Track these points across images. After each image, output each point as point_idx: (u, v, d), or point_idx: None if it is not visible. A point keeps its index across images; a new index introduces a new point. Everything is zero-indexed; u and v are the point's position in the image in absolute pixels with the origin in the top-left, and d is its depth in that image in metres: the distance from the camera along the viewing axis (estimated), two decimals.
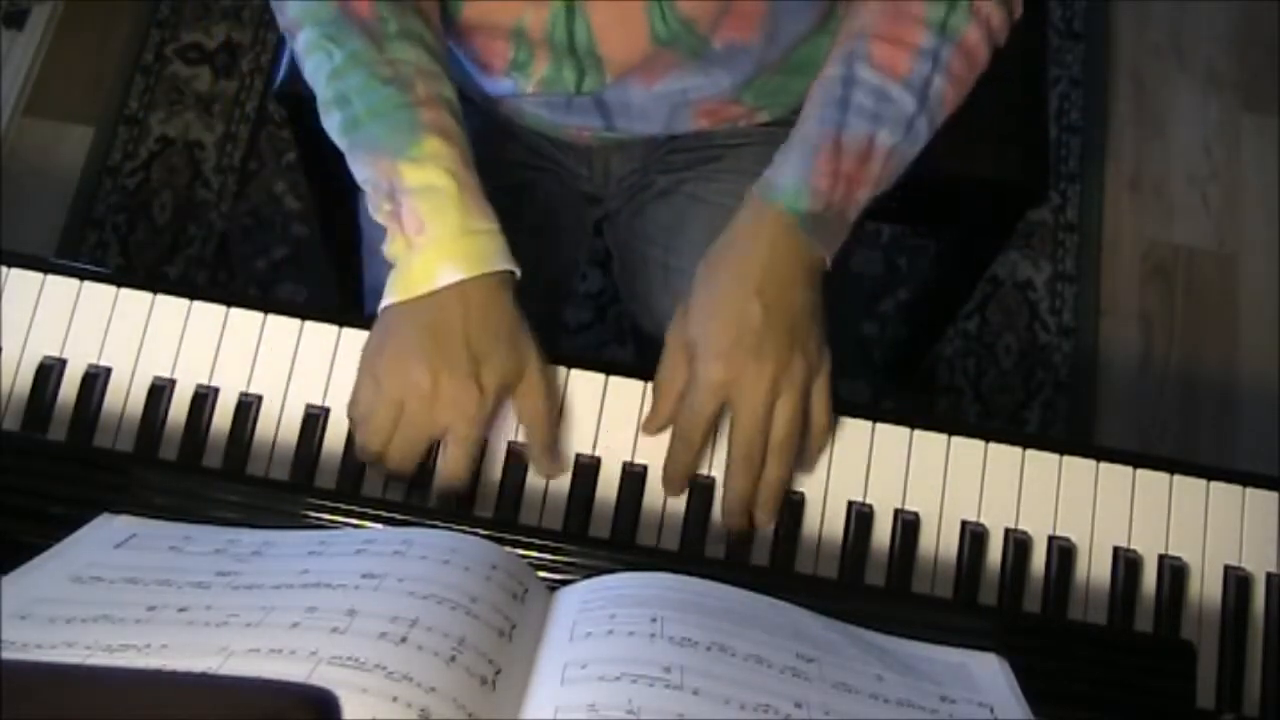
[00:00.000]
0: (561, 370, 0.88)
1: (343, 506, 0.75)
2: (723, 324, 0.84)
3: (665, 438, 0.86)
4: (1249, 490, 0.87)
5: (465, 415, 0.81)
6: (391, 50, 0.86)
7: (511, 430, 0.86)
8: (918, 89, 0.88)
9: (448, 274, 0.82)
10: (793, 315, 0.84)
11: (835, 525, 0.86)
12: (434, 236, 0.82)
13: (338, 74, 0.86)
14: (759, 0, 0.91)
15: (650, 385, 0.88)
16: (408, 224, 0.82)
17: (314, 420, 0.86)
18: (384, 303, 0.84)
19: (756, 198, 0.87)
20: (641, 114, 1.00)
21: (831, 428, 0.86)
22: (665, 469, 0.85)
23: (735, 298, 0.84)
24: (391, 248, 0.84)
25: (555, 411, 0.86)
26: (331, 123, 0.88)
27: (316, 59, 0.87)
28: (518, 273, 0.85)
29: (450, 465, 0.82)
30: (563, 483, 0.86)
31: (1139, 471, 0.87)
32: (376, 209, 0.85)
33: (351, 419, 0.84)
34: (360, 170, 0.86)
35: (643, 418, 0.87)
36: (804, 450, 0.85)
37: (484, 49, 0.96)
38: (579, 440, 0.87)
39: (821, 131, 0.87)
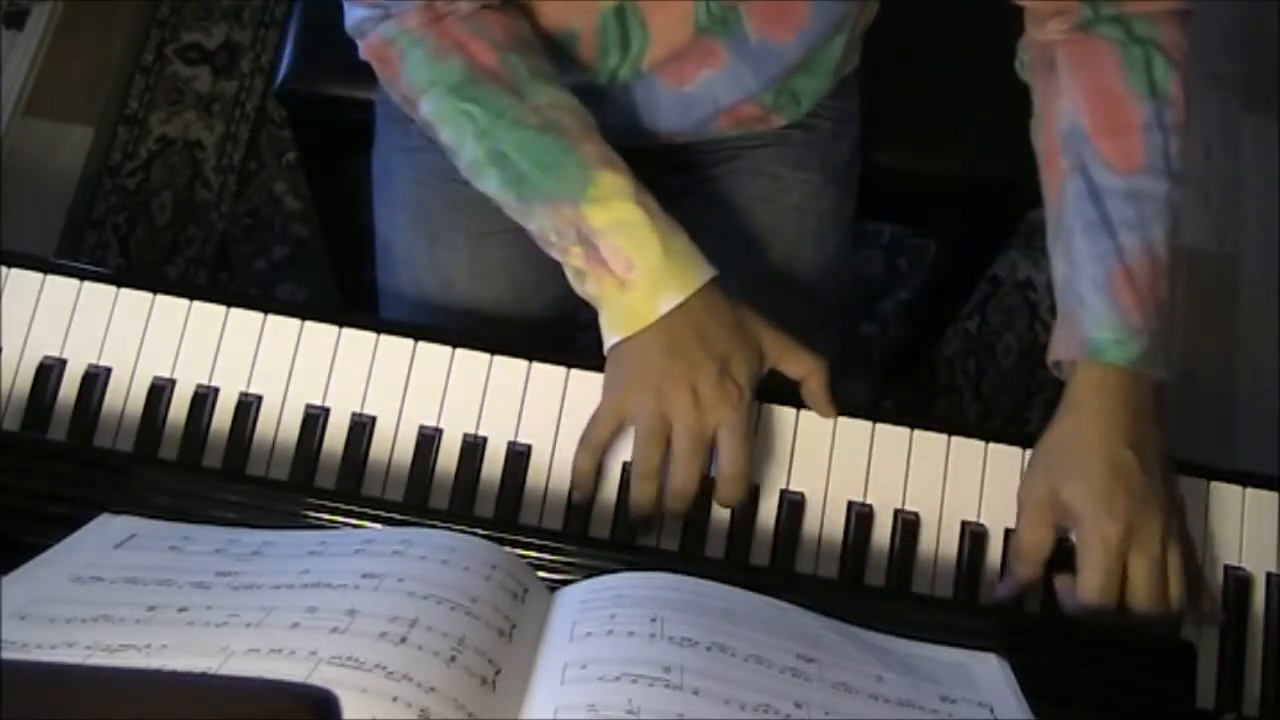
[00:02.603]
0: (563, 371, 0.88)
1: (343, 506, 0.75)
2: (1103, 481, 0.82)
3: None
4: (1249, 490, 0.87)
5: (732, 407, 0.83)
6: (532, 96, 0.87)
7: (511, 431, 0.86)
8: (1161, 168, 0.87)
9: (667, 301, 0.83)
10: (1161, 457, 0.83)
11: (835, 525, 0.85)
12: (645, 270, 0.83)
13: (486, 134, 0.86)
14: (805, 0, 0.91)
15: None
16: (615, 265, 0.84)
17: (314, 420, 0.86)
18: (611, 341, 0.85)
19: (1084, 363, 0.85)
20: (667, 115, 1.01)
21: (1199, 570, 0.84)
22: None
23: (1107, 452, 0.82)
24: (600, 288, 0.85)
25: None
26: (490, 182, 0.88)
27: (458, 124, 0.87)
28: (716, 272, 0.86)
29: (730, 457, 0.82)
30: (562, 482, 0.86)
31: None
32: (564, 253, 0.86)
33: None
34: (536, 221, 0.87)
35: None
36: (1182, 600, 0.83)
37: None
38: (578, 439, 0.87)
39: (1105, 268, 0.85)
